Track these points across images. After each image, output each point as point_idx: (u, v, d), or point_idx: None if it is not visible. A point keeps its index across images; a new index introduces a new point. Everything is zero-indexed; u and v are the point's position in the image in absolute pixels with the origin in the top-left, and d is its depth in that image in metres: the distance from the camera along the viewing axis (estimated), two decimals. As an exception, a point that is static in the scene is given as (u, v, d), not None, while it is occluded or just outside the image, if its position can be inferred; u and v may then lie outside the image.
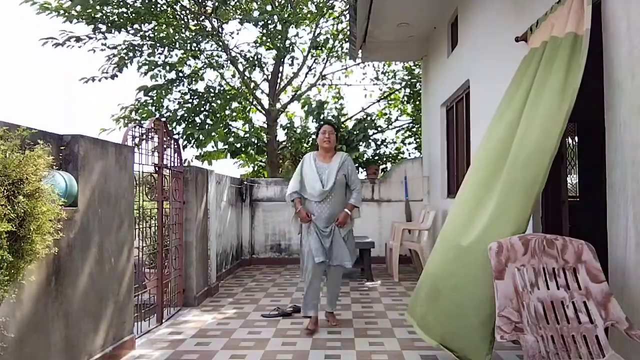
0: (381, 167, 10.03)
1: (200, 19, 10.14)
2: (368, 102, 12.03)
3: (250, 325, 4.34)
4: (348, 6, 8.04)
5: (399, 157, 10.92)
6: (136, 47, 9.42)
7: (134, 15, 9.06)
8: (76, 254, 2.92)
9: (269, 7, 9.85)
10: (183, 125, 9.56)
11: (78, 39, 9.02)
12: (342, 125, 9.90)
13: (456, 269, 2.95)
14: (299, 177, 4.33)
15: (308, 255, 4.18)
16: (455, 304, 2.88)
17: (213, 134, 9.08)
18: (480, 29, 5.22)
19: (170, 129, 8.92)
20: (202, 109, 9.71)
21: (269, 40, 9.38)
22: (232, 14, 9.99)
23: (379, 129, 10.51)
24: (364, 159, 9.54)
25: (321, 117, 9.25)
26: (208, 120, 9.76)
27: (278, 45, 9.19)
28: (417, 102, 10.66)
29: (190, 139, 9.27)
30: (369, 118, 9.85)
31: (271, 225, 8.34)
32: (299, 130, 9.89)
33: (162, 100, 9.62)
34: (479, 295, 2.71)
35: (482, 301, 2.70)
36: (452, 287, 2.93)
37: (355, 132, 9.11)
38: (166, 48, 9.47)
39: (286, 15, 9.16)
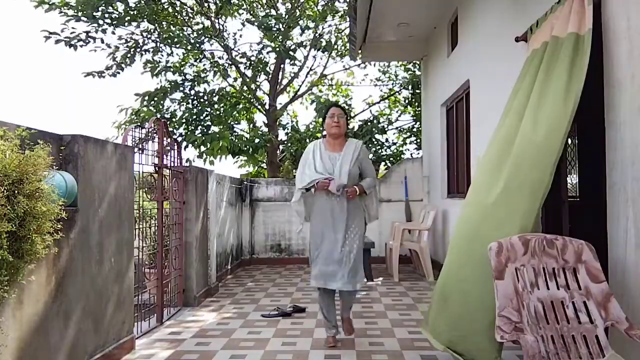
0: (383, 167, 10.04)
1: (202, 18, 10.16)
2: (370, 103, 12.03)
3: (250, 325, 4.34)
4: (348, 7, 8.05)
5: (400, 157, 10.92)
6: (139, 45, 9.44)
7: (135, 12, 9.07)
8: (76, 254, 2.92)
9: (272, 11, 9.89)
10: (184, 127, 9.57)
11: (80, 39, 9.01)
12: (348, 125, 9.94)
13: (465, 272, 2.93)
14: (305, 168, 3.67)
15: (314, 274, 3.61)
16: (464, 307, 2.86)
17: (219, 138, 9.10)
18: (480, 29, 5.22)
19: (170, 129, 8.96)
20: (205, 111, 9.72)
21: (271, 42, 9.40)
22: (235, 9, 9.97)
23: (382, 129, 10.53)
24: None
25: None
26: (212, 125, 9.78)
27: (278, 49, 9.19)
28: (418, 104, 10.68)
29: (195, 142, 9.28)
30: (375, 120, 9.85)
31: (271, 225, 8.34)
32: (302, 129, 9.90)
33: (162, 101, 9.63)
34: (487, 296, 2.65)
35: (491, 302, 2.68)
36: (461, 291, 2.92)
37: (361, 134, 9.12)
38: (169, 47, 9.49)
39: (287, 18, 9.17)
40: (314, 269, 3.64)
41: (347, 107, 10.84)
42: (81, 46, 9.07)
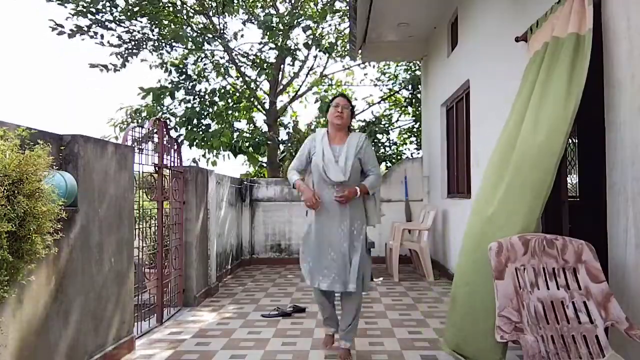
0: (384, 167, 10.04)
1: (202, 17, 10.16)
2: (370, 103, 12.04)
3: (250, 325, 4.34)
4: (348, 6, 8.05)
5: (400, 157, 10.92)
6: (142, 40, 9.46)
7: (136, 9, 9.08)
8: (76, 254, 2.92)
9: (272, 10, 9.90)
10: (185, 127, 9.58)
11: (83, 31, 9.02)
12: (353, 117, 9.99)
13: (469, 273, 2.94)
14: (302, 155, 3.52)
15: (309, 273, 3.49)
16: (467, 307, 2.88)
17: (220, 136, 9.11)
18: (480, 29, 5.22)
19: (171, 129, 8.97)
20: (206, 111, 9.73)
21: (271, 40, 9.40)
22: (236, 8, 9.98)
23: (384, 130, 10.55)
24: None
25: None
26: (213, 124, 9.79)
27: (280, 45, 9.19)
28: (418, 104, 10.68)
29: (195, 141, 9.28)
30: (376, 121, 9.85)
31: (271, 225, 8.34)
32: (302, 129, 9.91)
33: (163, 98, 9.64)
34: (488, 297, 2.65)
35: (493, 303, 2.67)
36: (465, 291, 2.93)
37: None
38: (169, 45, 9.51)
39: (288, 18, 9.17)
40: (305, 267, 3.54)
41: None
42: (82, 39, 9.10)
